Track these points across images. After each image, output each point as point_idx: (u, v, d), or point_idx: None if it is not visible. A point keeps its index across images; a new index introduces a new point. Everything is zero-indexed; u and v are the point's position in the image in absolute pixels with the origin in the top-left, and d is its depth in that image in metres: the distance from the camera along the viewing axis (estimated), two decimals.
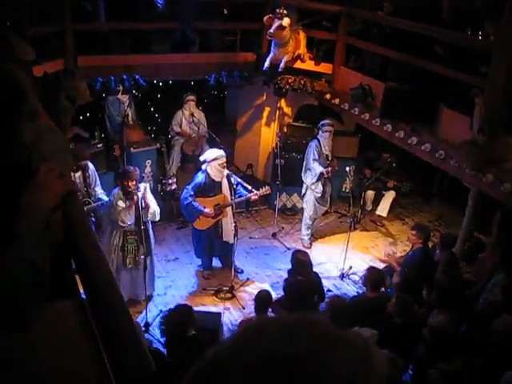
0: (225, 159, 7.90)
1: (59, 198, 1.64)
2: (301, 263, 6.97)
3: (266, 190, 8.31)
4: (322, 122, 9.20)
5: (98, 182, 8.02)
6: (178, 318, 5.51)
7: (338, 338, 0.81)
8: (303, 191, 9.54)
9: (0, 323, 1.34)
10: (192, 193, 7.91)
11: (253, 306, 7.80)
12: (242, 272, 8.67)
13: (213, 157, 7.91)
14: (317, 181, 9.17)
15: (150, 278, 7.69)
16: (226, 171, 8.09)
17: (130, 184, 7.13)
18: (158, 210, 7.38)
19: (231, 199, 8.07)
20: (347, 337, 0.82)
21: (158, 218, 7.51)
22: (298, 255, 7.10)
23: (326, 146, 9.12)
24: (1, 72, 1.68)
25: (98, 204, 7.78)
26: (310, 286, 6.95)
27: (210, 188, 7.98)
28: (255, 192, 8.08)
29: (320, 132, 9.18)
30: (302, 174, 9.39)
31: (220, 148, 8.44)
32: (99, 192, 7.93)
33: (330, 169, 9.01)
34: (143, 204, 7.19)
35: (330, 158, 9.21)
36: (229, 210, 8.10)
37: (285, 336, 0.79)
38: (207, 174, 7.93)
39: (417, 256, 7.44)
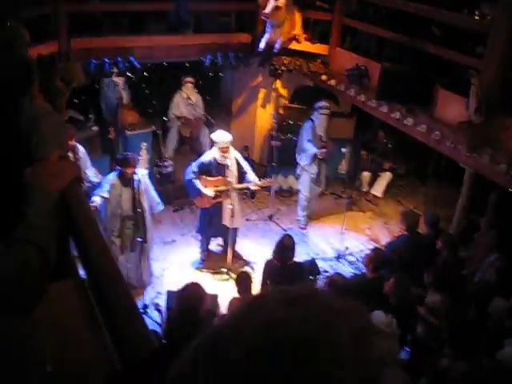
0: (226, 144, 7.76)
1: (68, 183, 1.66)
2: (283, 248, 6.82)
3: (267, 181, 8.30)
4: (318, 104, 9.13)
5: (89, 164, 7.91)
6: (190, 303, 5.37)
7: (341, 310, 0.82)
8: (298, 172, 9.53)
9: (7, 306, 1.35)
10: (195, 169, 7.88)
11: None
12: (243, 259, 8.63)
13: (215, 139, 7.88)
14: (311, 162, 9.15)
15: (147, 263, 7.72)
16: (236, 154, 8.07)
17: (128, 171, 7.12)
18: (158, 201, 7.51)
19: (236, 184, 8.06)
20: (349, 309, 0.83)
21: (157, 211, 7.60)
22: (285, 240, 6.91)
23: (321, 127, 9.05)
24: (14, 50, 1.69)
25: (89, 186, 7.71)
26: (288, 272, 6.76)
27: (215, 168, 7.92)
28: (255, 182, 8.04)
29: (315, 113, 9.12)
30: (297, 155, 9.37)
31: (215, 130, 8.40)
32: (90, 174, 7.84)
33: (323, 150, 9.00)
34: (142, 189, 7.22)
35: (324, 140, 9.18)
36: (232, 194, 8.05)
37: (285, 305, 0.79)
38: (214, 154, 7.93)
39: (398, 242, 7.47)
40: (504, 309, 5.41)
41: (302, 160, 9.24)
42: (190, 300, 5.29)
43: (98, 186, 7.48)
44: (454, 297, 6.04)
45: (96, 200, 7.05)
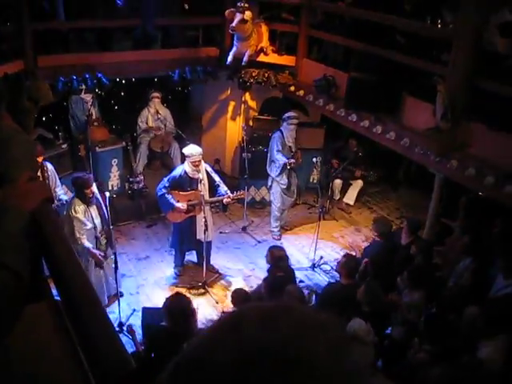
0: (198, 158, 7.79)
1: (39, 204, 1.65)
2: (279, 258, 7.01)
3: (240, 193, 8.29)
4: (286, 115, 9.18)
5: (59, 182, 7.81)
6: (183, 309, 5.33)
7: (315, 323, 0.82)
8: (269, 183, 9.57)
9: None
10: (167, 184, 7.87)
11: (227, 301, 7.84)
12: (217, 272, 8.62)
13: (186, 153, 7.89)
14: (281, 172, 9.19)
15: (119, 276, 7.67)
16: (206, 168, 8.08)
17: (90, 191, 7.09)
18: None
19: (208, 197, 8.07)
20: (324, 321, 0.83)
21: None
22: (274, 251, 7.12)
23: (290, 137, 9.12)
24: None
25: (58, 204, 7.60)
26: (290, 280, 6.96)
27: (187, 182, 7.92)
28: (229, 195, 8.03)
29: (284, 124, 9.17)
30: (267, 167, 9.40)
31: (186, 144, 8.41)
32: (60, 192, 7.74)
33: (292, 160, 9.04)
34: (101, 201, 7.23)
35: (293, 150, 9.22)
36: (205, 207, 8.03)
37: (261, 324, 0.79)
38: (185, 168, 7.91)
39: (372, 248, 7.56)
40: (477, 312, 5.47)
41: (273, 171, 9.29)
42: (182, 305, 5.26)
43: (67, 202, 7.39)
44: (429, 295, 6.12)
45: (89, 245, 7.12)
